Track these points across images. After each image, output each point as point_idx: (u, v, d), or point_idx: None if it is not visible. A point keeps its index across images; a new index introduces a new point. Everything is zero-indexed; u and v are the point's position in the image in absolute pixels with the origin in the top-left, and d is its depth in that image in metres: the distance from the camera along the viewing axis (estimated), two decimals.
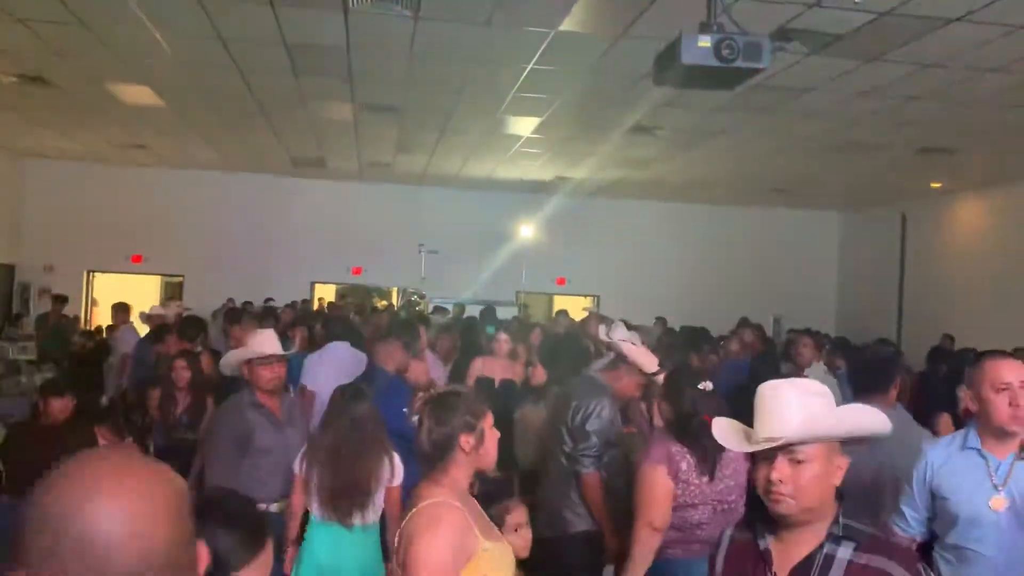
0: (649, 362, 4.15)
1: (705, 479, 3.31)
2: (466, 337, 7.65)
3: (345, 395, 3.88)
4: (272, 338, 4.22)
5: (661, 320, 11.83)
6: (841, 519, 1.90)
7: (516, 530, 2.94)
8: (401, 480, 3.76)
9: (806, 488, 1.85)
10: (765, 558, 1.92)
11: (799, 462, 1.85)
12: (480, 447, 2.33)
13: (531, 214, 14.48)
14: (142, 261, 14.22)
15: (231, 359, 4.27)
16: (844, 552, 1.84)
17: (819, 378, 5.93)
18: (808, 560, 1.86)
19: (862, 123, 8.67)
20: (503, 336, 6.63)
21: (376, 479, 3.68)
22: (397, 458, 3.78)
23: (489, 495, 2.85)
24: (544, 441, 4.50)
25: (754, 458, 1.95)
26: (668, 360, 5.86)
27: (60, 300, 11.89)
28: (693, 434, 3.27)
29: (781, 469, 1.85)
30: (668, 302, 13.74)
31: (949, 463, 2.86)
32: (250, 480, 3.76)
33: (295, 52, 7.13)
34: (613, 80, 7.49)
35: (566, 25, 6.13)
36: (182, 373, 5.54)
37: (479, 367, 6.42)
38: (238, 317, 8.44)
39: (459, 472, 2.32)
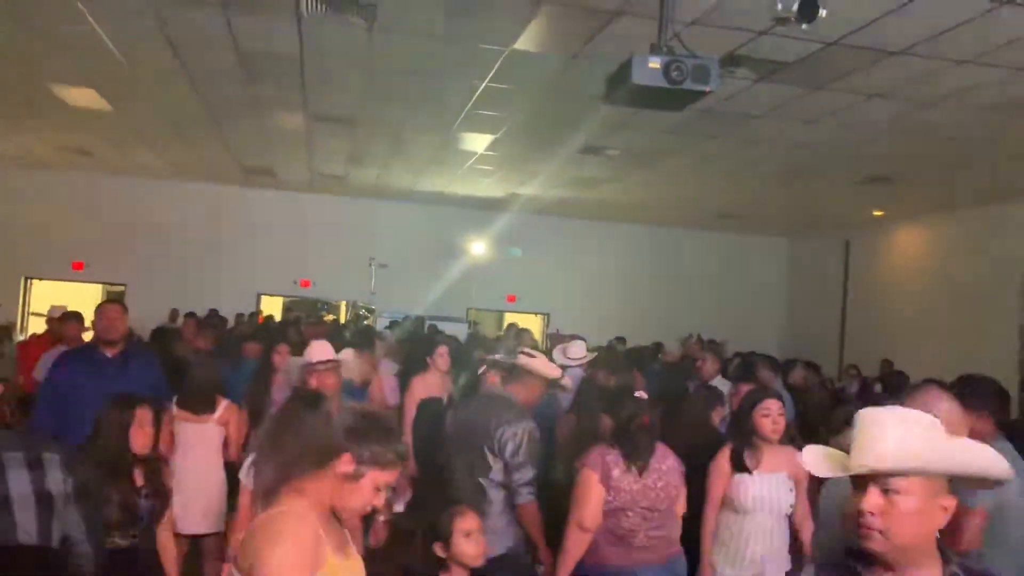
0: (550, 370, 4.27)
1: (636, 486, 3.64)
2: (412, 353, 7.49)
3: (297, 402, 3.68)
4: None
5: (621, 339, 12.07)
6: (955, 559, 1.78)
7: (467, 536, 2.90)
8: None
9: (899, 523, 1.69)
10: None
11: (892, 493, 1.71)
12: (350, 484, 2.16)
13: (483, 230, 14.49)
14: (83, 268, 13.85)
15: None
16: None
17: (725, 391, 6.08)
18: None
19: (807, 151, 8.88)
20: (443, 350, 6.22)
21: None
22: None
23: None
24: (452, 455, 4.28)
25: (854, 489, 1.81)
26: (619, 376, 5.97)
27: None
28: (632, 436, 3.68)
29: (872, 500, 1.71)
30: (617, 322, 13.85)
31: None
32: None
33: (247, 59, 7.05)
34: (566, 100, 7.56)
35: (521, 44, 6.17)
36: None
37: (419, 388, 5.89)
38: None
39: (323, 487, 2.17)
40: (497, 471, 3.92)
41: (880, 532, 1.70)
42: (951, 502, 1.76)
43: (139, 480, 3.42)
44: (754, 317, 15.37)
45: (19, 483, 2.44)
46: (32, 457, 2.49)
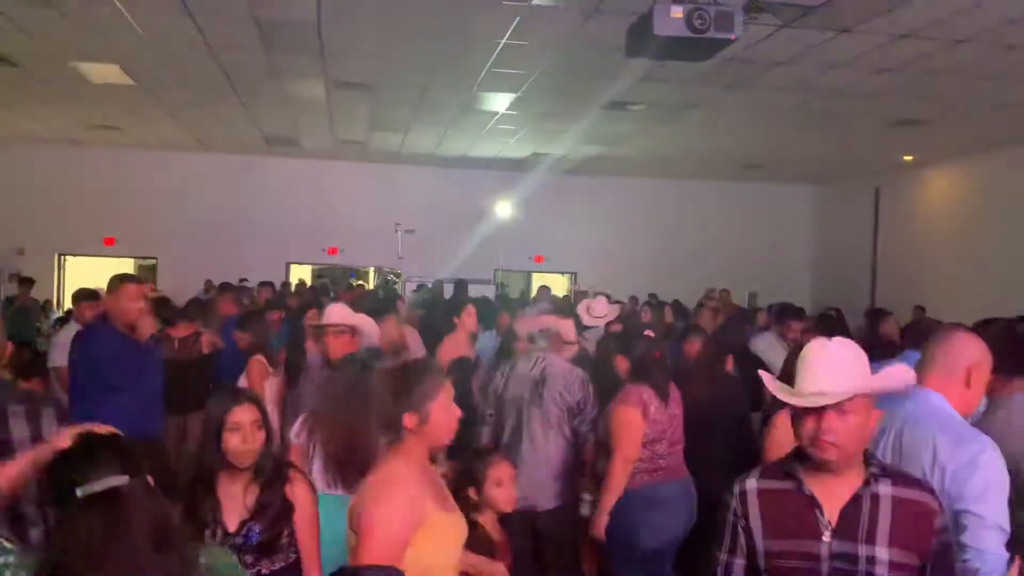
0: (569, 331, 4.67)
1: (665, 416, 3.99)
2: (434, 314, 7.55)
3: (353, 365, 3.85)
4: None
5: (654, 296, 12.11)
6: (875, 458, 2.09)
7: (499, 485, 3.01)
8: None
9: (851, 438, 1.99)
10: (814, 503, 2.03)
11: (846, 413, 1.98)
12: (425, 426, 2.32)
13: (508, 192, 14.45)
14: (114, 244, 14.05)
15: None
16: (885, 489, 2.01)
17: (769, 345, 6.23)
18: (856, 500, 2.01)
19: (834, 96, 8.72)
20: (471, 309, 6.28)
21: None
22: None
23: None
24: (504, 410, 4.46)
25: (796, 411, 2.05)
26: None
27: (26, 283, 11.70)
28: (648, 369, 4.04)
29: (830, 421, 1.98)
30: (645, 278, 13.83)
31: None
32: None
33: (265, 28, 7.03)
34: (587, 54, 7.47)
35: None
36: None
37: (449, 348, 5.87)
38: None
39: (411, 446, 2.34)
40: (555, 417, 4.22)
41: (836, 446, 1.99)
42: (878, 413, 2.07)
43: (251, 497, 2.67)
44: (783, 268, 15.26)
45: (20, 430, 2.68)
46: (31, 410, 2.76)
